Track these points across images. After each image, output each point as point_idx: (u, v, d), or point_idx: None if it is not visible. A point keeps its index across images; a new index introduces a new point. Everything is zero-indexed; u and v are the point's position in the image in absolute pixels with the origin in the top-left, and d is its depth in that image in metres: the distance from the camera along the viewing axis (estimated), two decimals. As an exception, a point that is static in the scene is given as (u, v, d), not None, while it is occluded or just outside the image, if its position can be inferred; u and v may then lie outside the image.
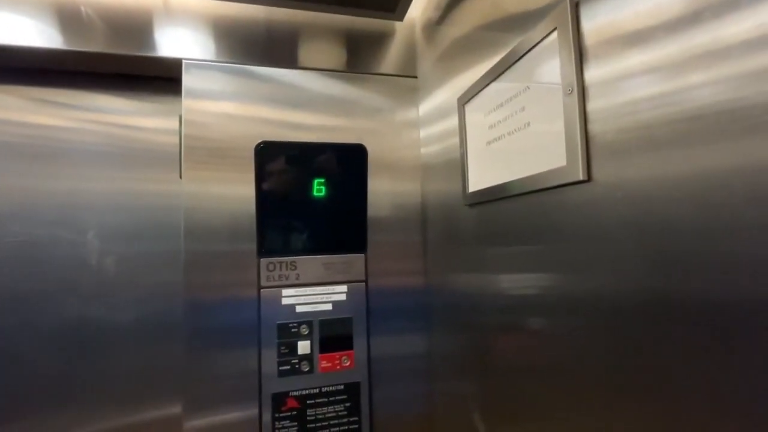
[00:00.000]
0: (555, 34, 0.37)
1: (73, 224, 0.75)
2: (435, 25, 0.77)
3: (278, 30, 0.78)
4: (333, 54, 0.81)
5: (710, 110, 0.26)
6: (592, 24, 0.34)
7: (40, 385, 0.72)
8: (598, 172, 0.34)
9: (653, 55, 0.30)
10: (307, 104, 0.77)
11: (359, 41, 0.82)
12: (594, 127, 0.34)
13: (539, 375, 0.45)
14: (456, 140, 0.63)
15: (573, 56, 0.35)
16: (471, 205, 0.57)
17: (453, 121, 0.65)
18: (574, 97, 0.35)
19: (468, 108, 0.57)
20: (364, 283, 0.75)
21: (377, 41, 0.83)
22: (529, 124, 0.42)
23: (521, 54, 0.43)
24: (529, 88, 0.42)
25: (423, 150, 0.81)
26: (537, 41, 0.40)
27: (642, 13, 0.31)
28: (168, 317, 0.77)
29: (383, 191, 0.79)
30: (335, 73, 0.80)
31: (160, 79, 0.80)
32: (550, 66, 0.38)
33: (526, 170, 0.42)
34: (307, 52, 0.79)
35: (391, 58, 0.84)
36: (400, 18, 0.81)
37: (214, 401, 0.68)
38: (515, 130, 0.44)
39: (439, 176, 0.72)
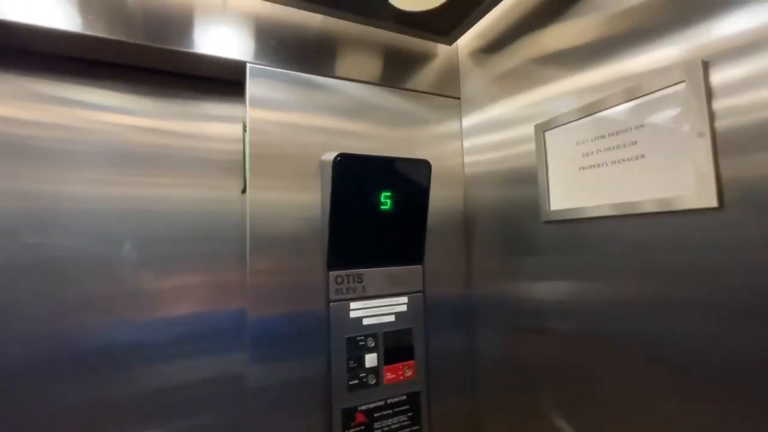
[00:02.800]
0: (683, 86, 0.45)
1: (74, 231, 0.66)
2: (481, 52, 0.83)
3: (332, 41, 0.78)
4: (384, 68, 0.83)
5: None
6: (720, 78, 0.43)
7: None
8: (729, 200, 0.42)
9: (784, 113, 0.38)
10: (358, 114, 0.78)
11: (407, 59, 0.85)
12: (725, 163, 0.42)
13: (589, 379, 0.52)
14: (516, 164, 0.70)
15: (705, 105, 0.43)
16: (551, 222, 0.63)
17: (513, 141, 0.72)
18: (706, 138, 0.43)
19: (550, 135, 0.63)
20: (422, 294, 0.78)
21: (423, 60, 0.87)
22: (643, 156, 0.49)
23: (631, 97, 0.51)
24: (643, 126, 0.49)
25: (468, 165, 0.86)
26: (655, 90, 0.48)
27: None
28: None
29: (430, 198, 0.81)
30: (385, 87, 0.82)
31: (197, 78, 0.74)
32: (672, 110, 0.46)
33: (641, 195, 0.49)
34: (358, 64, 0.80)
35: (434, 77, 0.88)
36: (450, 42, 0.86)
37: (277, 413, 0.65)
38: (624, 159, 0.52)
39: (493, 189, 0.78)
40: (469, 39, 0.86)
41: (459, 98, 0.90)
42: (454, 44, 0.89)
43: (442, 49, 0.89)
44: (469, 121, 0.87)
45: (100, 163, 0.68)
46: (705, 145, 0.43)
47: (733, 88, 0.42)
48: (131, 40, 0.63)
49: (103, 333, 0.66)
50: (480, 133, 0.83)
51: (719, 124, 0.43)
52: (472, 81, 0.86)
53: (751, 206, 0.40)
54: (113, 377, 0.66)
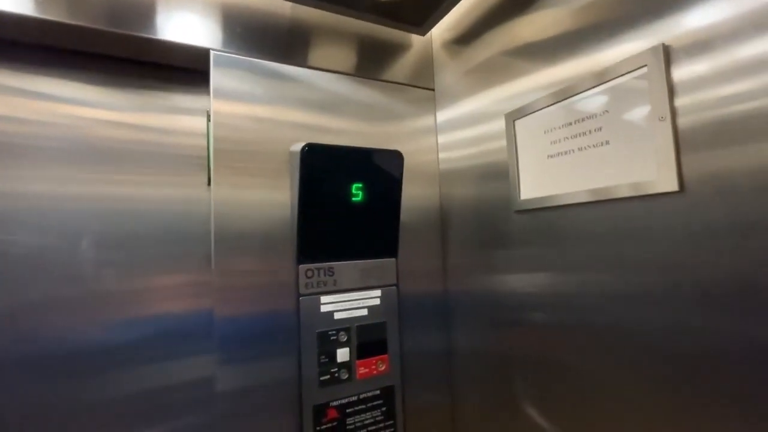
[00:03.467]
0: (644, 70, 0.45)
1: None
2: (454, 44, 0.83)
3: (303, 30, 0.76)
4: (357, 59, 0.81)
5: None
6: (680, 64, 0.43)
7: None
8: (689, 184, 0.42)
9: (742, 87, 0.38)
10: (331, 107, 0.77)
11: (380, 49, 0.84)
12: (685, 147, 0.42)
13: (565, 370, 0.52)
14: (491, 153, 0.70)
15: (665, 89, 0.43)
16: (522, 212, 0.63)
17: (487, 135, 0.72)
18: (667, 123, 0.43)
19: (520, 124, 0.63)
20: (395, 287, 0.76)
21: (396, 51, 0.86)
22: (607, 142, 0.49)
23: (596, 83, 0.50)
24: (608, 111, 0.49)
25: (442, 161, 0.86)
26: (618, 75, 0.48)
27: (727, 58, 0.39)
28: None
29: (405, 194, 0.80)
30: (357, 78, 0.80)
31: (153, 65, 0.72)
32: (634, 95, 0.46)
33: (606, 181, 0.49)
34: (329, 55, 0.78)
35: (408, 69, 0.87)
36: (424, 33, 0.85)
37: (249, 415, 0.63)
38: (589, 146, 0.51)
39: (468, 184, 0.78)
40: (442, 30, 0.86)
41: (433, 90, 0.89)
42: (428, 35, 0.88)
43: (416, 40, 0.88)
44: (443, 115, 0.86)
45: (61, 158, 0.65)
46: (666, 129, 0.43)
47: (692, 74, 0.42)
48: (86, 24, 0.60)
49: (70, 335, 0.63)
50: (455, 127, 0.83)
51: (679, 108, 0.43)
52: (446, 72, 0.85)
53: (710, 188, 0.40)
54: (83, 380, 0.63)
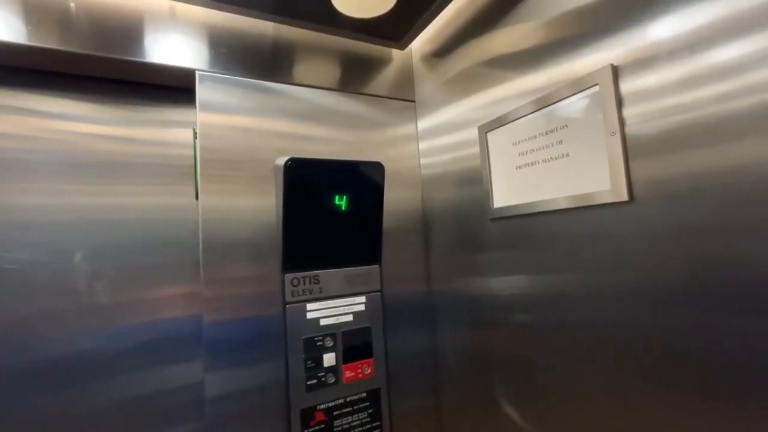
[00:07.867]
0: (597, 88, 0.48)
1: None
2: (432, 57, 0.86)
3: (286, 48, 0.80)
4: (339, 74, 0.85)
5: (717, 132, 0.39)
6: (628, 81, 0.46)
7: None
8: (638, 194, 0.45)
9: (686, 112, 0.42)
10: (315, 119, 0.80)
11: (362, 64, 0.87)
12: (634, 160, 0.46)
13: (541, 369, 0.55)
14: (466, 165, 0.73)
15: (615, 106, 0.46)
16: (495, 219, 0.66)
17: (463, 142, 0.75)
18: (617, 138, 0.46)
19: (491, 136, 0.66)
20: (379, 293, 0.79)
21: (377, 66, 0.90)
22: (567, 155, 0.53)
23: (557, 99, 0.54)
24: (567, 126, 0.53)
25: (424, 167, 0.89)
26: (575, 92, 0.51)
27: (668, 77, 0.43)
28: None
29: (389, 199, 0.83)
30: (342, 92, 0.84)
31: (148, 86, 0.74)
32: (589, 111, 0.50)
33: (567, 191, 0.53)
34: (313, 71, 0.82)
35: (389, 82, 0.90)
36: (403, 47, 0.89)
37: (237, 419, 0.66)
38: (552, 158, 0.55)
39: (447, 195, 0.81)
40: (420, 44, 0.89)
41: (414, 101, 0.92)
42: (408, 49, 0.92)
43: (396, 54, 0.92)
44: (424, 123, 0.90)
45: (56, 173, 0.67)
46: (616, 143, 0.46)
47: (638, 90, 0.45)
48: (76, 50, 0.63)
49: (65, 345, 0.65)
50: (434, 136, 0.86)
51: (628, 123, 0.46)
52: (426, 84, 0.88)
53: (656, 197, 0.44)
54: (79, 388, 0.65)
